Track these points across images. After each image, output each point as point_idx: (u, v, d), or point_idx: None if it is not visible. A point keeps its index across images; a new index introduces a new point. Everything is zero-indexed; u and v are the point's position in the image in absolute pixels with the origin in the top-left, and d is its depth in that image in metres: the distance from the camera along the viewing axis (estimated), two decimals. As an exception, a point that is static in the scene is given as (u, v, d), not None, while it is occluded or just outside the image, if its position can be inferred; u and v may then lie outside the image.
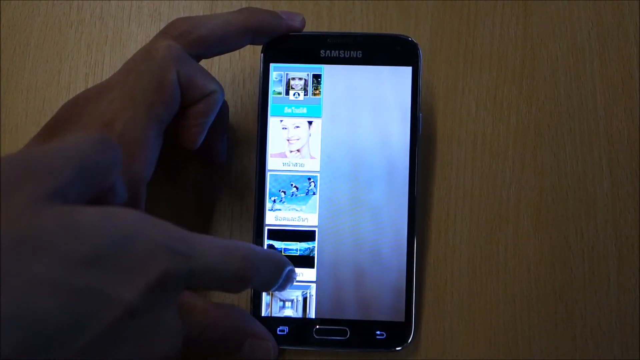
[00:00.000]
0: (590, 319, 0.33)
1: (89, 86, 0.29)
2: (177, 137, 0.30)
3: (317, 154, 0.33)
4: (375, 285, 0.32)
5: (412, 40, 0.33)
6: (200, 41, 0.29)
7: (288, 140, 0.33)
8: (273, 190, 0.33)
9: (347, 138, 0.33)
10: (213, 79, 0.30)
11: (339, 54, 0.33)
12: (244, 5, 0.37)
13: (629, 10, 0.37)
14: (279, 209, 0.33)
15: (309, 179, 0.33)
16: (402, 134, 0.33)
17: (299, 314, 0.32)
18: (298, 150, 0.33)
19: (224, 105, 0.33)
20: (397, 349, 0.32)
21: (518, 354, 0.33)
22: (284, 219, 0.33)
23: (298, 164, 0.33)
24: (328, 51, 0.33)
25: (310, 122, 0.33)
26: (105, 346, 0.20)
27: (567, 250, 0.34)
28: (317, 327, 0.32)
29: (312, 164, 0.33)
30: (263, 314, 0.32)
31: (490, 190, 0.35)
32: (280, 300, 0.32)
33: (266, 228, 0.33)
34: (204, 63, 0.31)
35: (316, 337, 0.32)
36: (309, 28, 0.35)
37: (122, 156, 0.24)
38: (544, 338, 0.33)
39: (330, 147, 0.33)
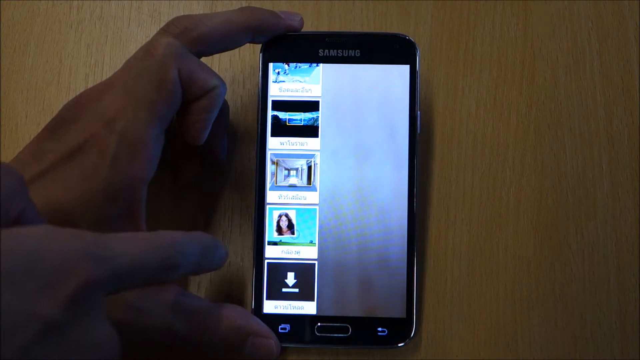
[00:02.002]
0: (590, 319, 0.33)
1: (89, 86, 0.29)
2: (182, 134, 0.30)
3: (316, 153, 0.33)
4: (376, 282, 0.32)
5: (409, 39, 0.33)
6: (201, 39, 0.29)
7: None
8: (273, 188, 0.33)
9: (346, 138, 0.33)
10: (214, 74, 0.30)
11: (337, 53, 0.33)
12: (244, 5, 0.37)
13: (629, 10, 0.37)
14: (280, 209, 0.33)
15: (309, 177, 0.33)
16: (401, 133, 0.33)
17: (304, 183, 0.32)
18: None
19: (224, 105, 0.33)
20: (399, 345, 0.32)
21: (518, 353, 0.33)
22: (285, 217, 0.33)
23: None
24: (326, 50, 0.33)
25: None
26: None
27: (567, 250, 0.34)
28: (319, 324, 0.32)
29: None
30: (264, 311, 0.32)
31: (490, 190, 0.35)
32: (285, 169, 0.32)
33: (266, 226, 0.33)
34: (203, 61, 0.31)
35: (318, 334, 0.32)
36: (309, 27, 0.35)
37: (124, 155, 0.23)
38: (544, 338, 0.33)
39: (330, 147, 0.33)
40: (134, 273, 0.22)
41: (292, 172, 0.33)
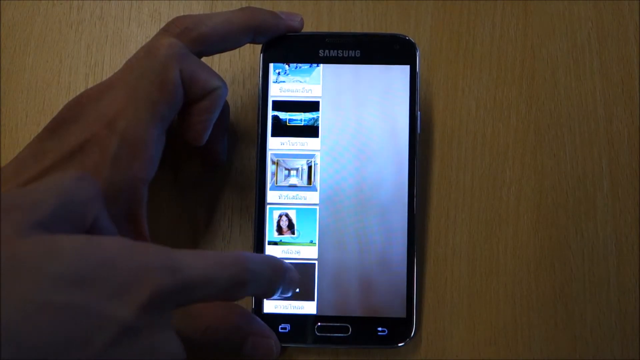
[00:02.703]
0: (590, 319, 0.33)
1: (89, 86, 0.29)
2: (183, 134, 0.30)
3: (316, 152, 0.33)
4: (376, 282, 0.32)
5: (409, 39, 0.33)
6: (202, 39, 0.29)
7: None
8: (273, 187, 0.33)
9: (345, 138, 0.33)
10: (216, 74, 0.30)
11: (338, 53, 0.33)
12: (244, 5, 0.37)
13: (629, 10, 0.37)
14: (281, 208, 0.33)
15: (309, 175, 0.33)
16: (401, 133, 0.33)
17: (304, 183, 0.32)
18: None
19: (225, 105, 0.33)
20: (399, 345, 0.32)
21: (518, 353, 0.33)
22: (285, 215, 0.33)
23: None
24: (327, 50, 0.33)
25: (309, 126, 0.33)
26: None
27: (567, 250, 0.34)
28: (319, 324, 0.32)
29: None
30: (265, 311, 0.32)
31: (490, 190, 0.35)
32: (286, 169, 0.32)
33: (267, 226, 0.33)
34: (203, 61, 0.31)
35: (318, 334, 0.32)
36: (309, 28, 0.35)
37: (125, 155, 0.23)
38: (544, 338, 0.33)
39: (330, 147, 0.33)
40: (204, 286, 0.23)
41: (293, 172, 0.33)
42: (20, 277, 0.19)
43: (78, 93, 0.29)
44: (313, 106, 0.33)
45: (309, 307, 0.32)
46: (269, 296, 0.29)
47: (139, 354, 0.21)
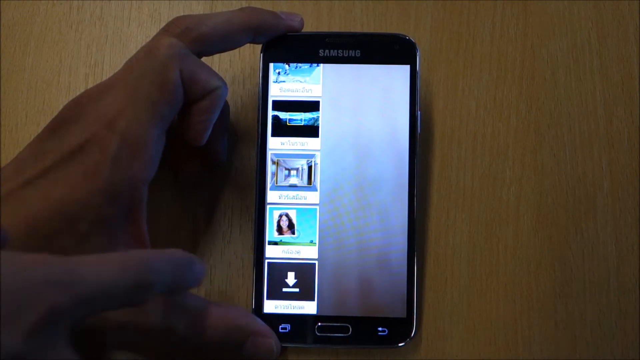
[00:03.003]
0: (590, 319, 0.33)
1: (89, 86, 0.29)
2: (183, 134, 0.30)
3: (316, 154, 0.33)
4: (376, 282, 0.32)
5: (409, 39, 0.33)
6: (202, 39, 0.29)
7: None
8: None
9: (345, 137, 0.33)
10: (216, 74, 0.30)
11: (338, 53, 0.33)
12: (244, 5, 0.37)
13: (629, 10, 0.37)
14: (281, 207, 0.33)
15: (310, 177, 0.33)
16: (401, 133, 0.33)
17: (304, 183, 0.32)
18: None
19: (225, 105, 0.33)
20: (400, 345, 0.32)
21: (518, 354, 0.33)
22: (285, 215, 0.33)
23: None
24: (327, 50, 0.33)
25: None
26: None
27: (567, 250, 0.34)
28: (319, 324, 0.32)
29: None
30: (265, 311, 0.32)
31: (490, 190, 0.35)
32: (286, 169, 0.32)
33: (267, 226, 0.33)
34: (203, 61, 0.31)
35: (318, 334, 0.32)
36: (309, 28, 0.35)
37: (125, 155, 0.23)
38: (544, 338, 0.33)
39: (330, 147, 0.33)
40: (103, 297, 0.22)
41: (293, 172, 0.33)
42: None
43: (78, 93, 0.29)
44: (313, 106, 0.33)
45: (309, 307, 0.32)
46: (175, 294, 0.28)
47: None
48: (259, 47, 0.33)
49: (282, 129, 0.33)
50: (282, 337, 0.32)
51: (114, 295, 0.22)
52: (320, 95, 0.33)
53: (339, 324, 0.32)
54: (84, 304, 0.21)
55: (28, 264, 0.20)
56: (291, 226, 0.33)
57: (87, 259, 0.22)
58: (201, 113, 0.29)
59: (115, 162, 0.27)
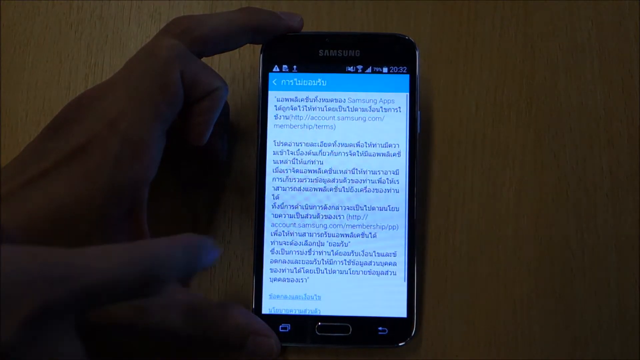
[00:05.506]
0: (590, 319, 0.33)
1: (89, 86, 0.29)
2: (183, 134, 0.30)
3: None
4: (376, 282, 0.32)
5: (409, 39, 0.33)
6: (202, 39, 0.29)
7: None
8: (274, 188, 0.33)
9: (346, 137, 0.33)
10: (217, 75, 0.30)
11: (337, 53, 0.33)
12: (244, 5, 0.37)
13: (629, 10, 0.37)
14: (280, 207, 0.33)
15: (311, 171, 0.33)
16: (401, 133, 0.33)
17: None
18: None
19: (225, 105, 0.33)
20: (400, 344, 0.32)
21: (518, 353, 0.33)
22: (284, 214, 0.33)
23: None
24: (326, 50, 0.33)
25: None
26: None
27: (567, 250, 0.34)
28: (319, 323, 0.32)
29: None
30: (265, 311, 0.32)
31: (490, 190, 0.35)
32: None
33: (267, 226, 0.33)
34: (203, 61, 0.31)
35: (318, 333, 0.32)
36: (309, 28, 0.35)
37: (126, 155, 0.23)
38: (544, 338, 0.33)
39: (328, 148, 0.33)
40: (105, 290, 0.21)
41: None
42: None
43: (78, 93, 0.29)
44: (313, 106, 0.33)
45: (309, 307, 0.32)
46: (188, 280, 0.27)
47: None
48: (258, 47, 0.33)
49: (282, 129, 0.33)
50: (282, 336, 0.32)
51: (119, 288, 0.22)
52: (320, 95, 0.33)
53: (339, 324, 0.32)
54: (84, 298, 0.21)
55: (26, 258, 0.20)
56: (291, 226, 0.33)
57: (90, 251, 0.22)
58: (202, 113, 0.29)
59: (116, 163, 0.27)
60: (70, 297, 0.20)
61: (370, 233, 0.32)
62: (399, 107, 0.33)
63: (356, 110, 0.33)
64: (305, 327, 0.32)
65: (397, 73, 0.33)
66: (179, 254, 0.24)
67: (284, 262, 0.32)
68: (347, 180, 0.33)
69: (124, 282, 0.22)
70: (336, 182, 0.33)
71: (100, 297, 0.21)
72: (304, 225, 0.33)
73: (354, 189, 0.33)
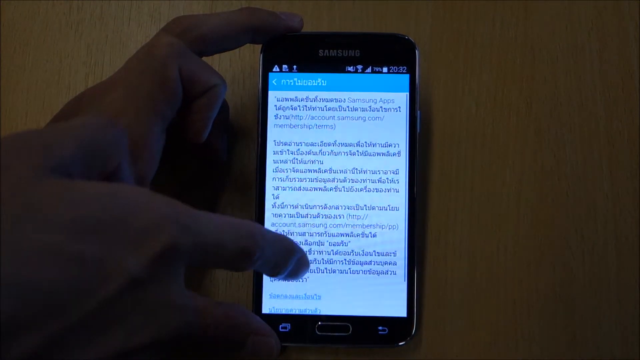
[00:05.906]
0: (590, 319, 0.33)
1: (89, 86, 0.29)
2: (182, 132, 0.30)
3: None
4: (376, 282, 0.32)
5: (409, 39, 0.33)
6: (202, 39, 0.29)
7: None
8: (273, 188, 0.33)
9: (345, 137, 0.33)
10: (215, 72, 0.30)
11: (337, 53, 0.33)
12: (244, 5, 0.37)
13: (629, 10, 0.37)
14: (280, 207, 0.33)
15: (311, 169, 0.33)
16: (401, 133, 0.33)
17: None
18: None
19: (224, 105, 0.33)
20: (400, 344, 0.32)
21: (518, 353, 0.33)
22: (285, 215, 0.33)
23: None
24: (326, 50, 0.33)
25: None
26: (108, 317, 0.20)
27: (567, 250, 0.34)
28: (319, 323, 0.32)
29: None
30: (265, 310, 0.32)
31: (490, 190, 0.35)
32: None
33: (267, 226, 0.32)
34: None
35: (318, 333, 0.32)
36: (309, 28, 0.35)
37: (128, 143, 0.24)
38: (544, 338, 0.33)
39: (328, 148, 0.33)
40: (213, 251, 0.23)
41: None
42: (34, 222, 0.19)
43: (78, 93, 0.29)
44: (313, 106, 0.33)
45: (309, 307, 0.32)
46: (273, 275, 0.28)
47: (144, 308, 0.21)
48: (258, 47, 0.33)
49: (282, 129, 0.33)
50: (282, 336, 0.32)
51: (221, 253, 0.23)
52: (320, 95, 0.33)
53: (339, 323, 0.32)
54: (200, 252, 0.22)
55: (159, 202, 0.22)
56: (291, 226, 0.33)
57: (204, 214, 0.23)
58: (200, 110, 0.29)
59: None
60: (193, 247, 0.22)
61: (370, 233, 0.32)
62: (399, 107, 0.33)
63: (356, 110, 0.33)
64: (305, 326, 0.32)
65: (397, 73, 0.33)
66: (276, 250, 0.25)
67: (284, 262, 0.32)
68: (347, 180, 0.33)
69: (227, 250, 0.23)
70: (336, 182, 0.33)
71: (208, 256, 0.23)
72: (304, 225, 0.33)
73: (354, 188, 0.33)
